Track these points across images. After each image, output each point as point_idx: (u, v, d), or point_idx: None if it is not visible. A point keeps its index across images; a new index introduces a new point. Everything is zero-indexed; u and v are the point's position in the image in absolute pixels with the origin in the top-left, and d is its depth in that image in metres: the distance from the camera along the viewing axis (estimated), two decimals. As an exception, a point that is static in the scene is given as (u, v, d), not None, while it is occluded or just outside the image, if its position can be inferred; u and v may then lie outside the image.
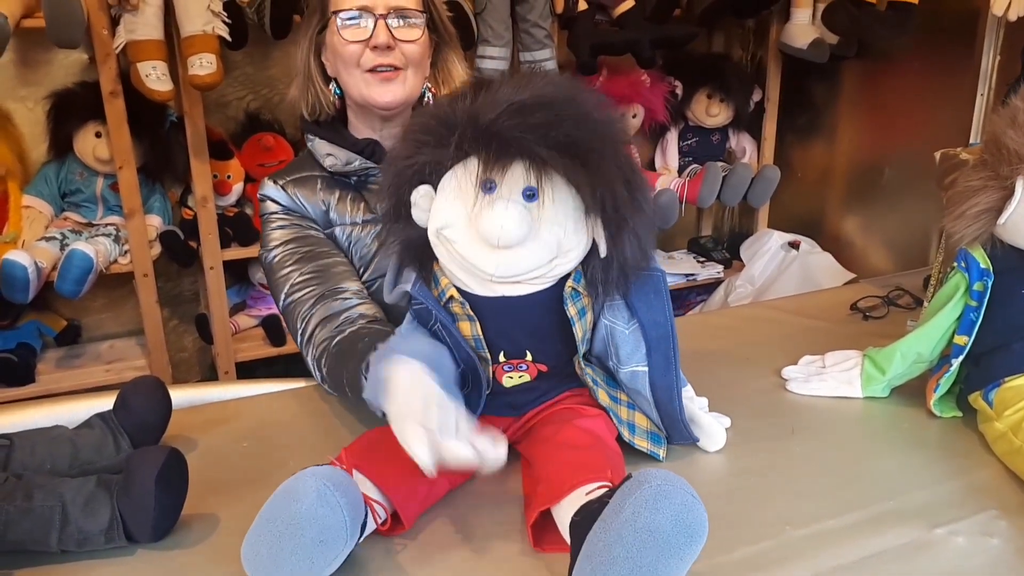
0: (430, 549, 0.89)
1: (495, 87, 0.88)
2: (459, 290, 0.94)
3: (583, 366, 0.99)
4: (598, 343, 1.00)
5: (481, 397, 0.98)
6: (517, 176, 0.86)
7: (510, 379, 1.00)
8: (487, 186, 0.87)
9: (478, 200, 0.87)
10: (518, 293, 0.92)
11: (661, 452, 1.02)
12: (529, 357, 0.98)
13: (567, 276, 0.94)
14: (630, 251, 0.89)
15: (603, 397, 1.00)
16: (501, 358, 0.97)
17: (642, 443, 1.01)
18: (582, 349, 0.98)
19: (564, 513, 0.83)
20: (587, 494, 0.82)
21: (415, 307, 0.96)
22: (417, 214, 0.93)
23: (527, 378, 1.00)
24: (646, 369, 0.99)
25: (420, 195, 0.92)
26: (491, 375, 0.99)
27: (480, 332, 0.95)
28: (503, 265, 0.88)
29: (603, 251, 0.89)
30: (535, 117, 0.84)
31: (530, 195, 0.86)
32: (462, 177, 0.89)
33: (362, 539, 0.85)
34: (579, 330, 0.96)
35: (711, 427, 1.07)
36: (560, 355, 0.99)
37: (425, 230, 0.93)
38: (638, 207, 0.88)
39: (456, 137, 0.88)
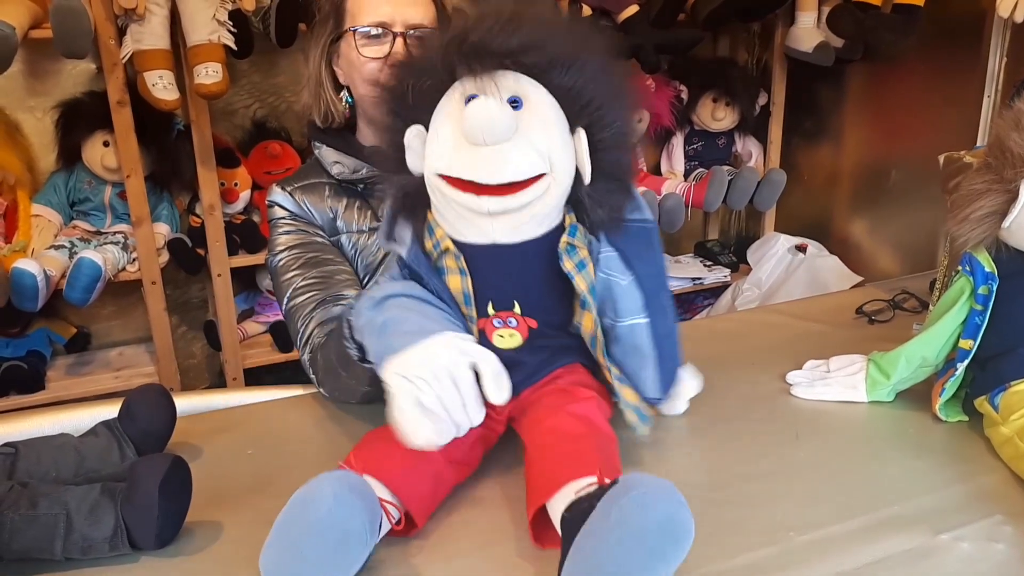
0: (447, 548, 0.89)
1: (480, 9, 0.89)
2: (454, 242, 0.93)
3: (596, 324, 0.97)
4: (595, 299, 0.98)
5: None
6: (501, 85, 0.86)
7: (500, 338, 0.97)
8: (470, 99, 0.86)
9: (463, 112, 0.86)
10: (512, 240, 0.91)
11: (645, 429, 1.00)
12: (517, 309, 0.96)
13: (561, 231, 0.93)
14: (613, 164, 0.90)
15: (600, 358, 0.99)
16: (490, 310, 0.96)
17: (630, 415, 0.99)
18: (589, 301, 0.95)
19: (556, 508, 0.82)
20: (576, 492, 0.81)
21: (409, 265, 0.96)
22: (411, 158, 0.92)
23: (519, 338, 0.97)
24: (646, 321, 0.98)
25: (412, 135, 0.91)
26: (479, 334, 0.97)
27: (470, 287, 0.94)
28: (494, 164, 0.85)
29: (585, 173, 0.89)
30: (513, 26, 0.85)
31: (514, 103, 0.86)
32: (448, 102, 0.89)
33: (377, 541, 0.85)
34: (581, 283, 0.93)
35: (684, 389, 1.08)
36: (549, 310, 0.97)
37: (419, 179, 0.92)
38: (620, 112, 0.89)
39: (442, 55, 0.88)
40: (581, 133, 0.88)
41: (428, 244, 0.95)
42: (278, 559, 0.76)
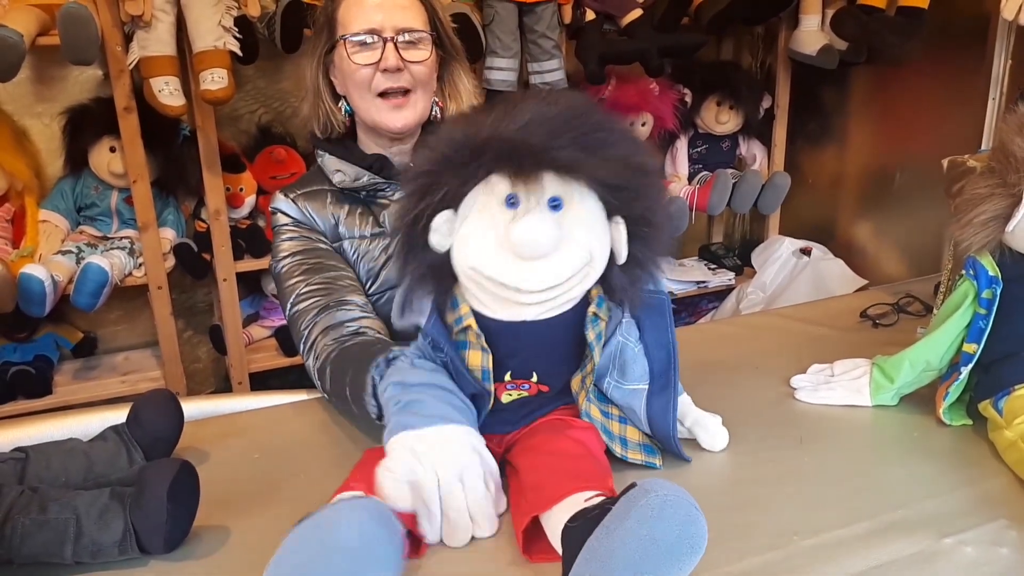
0: (443, 558, 0.89)
1: (517, 104, 0.87)
2: (476, 320, 0.92)
3: (581, 385, 0.99)
4: (603, 360, 0.99)
5: (479, 419, 0.98)
6: (540, 187, 0.86)
7: (508, 396, 0.99)
8: (510, 201, 0.86)
9: (504, 217, 0.86)
10: (534, 319, 0.91)
11: (657, 461, 1.02)
12: (535, 378, 0.97)
13: (588, 302, 0.94)
14: (651, 249, 0.90)
15: (595, 412, 1.00)
16: (507, 377, 0.97)
17: (636, 456, 1.01)
18: (591, 369, 0.97)
19: (555, 520, 0.82)
20: (585, 500, 0.82)
21: (429, 335, 0.96)
22: (437, 239, 0.89)
23: (526, 395, 0.99)
24: (646, 387, 1.00)
25: (442, 220, 0.88)
26: (493, 392, 0.98)
27: (490, 364, 0.93)
28: (538, 275, 0.86)
29: (621, 257, 0.89)
30: (558, 128, 0.84)
31: (555, 205, 0.86)
32: (485, 197, 0.87)
33: None
34: (598, 354, 0.95)
35: (715, 427, 1.07)
36: (564, 376, 0.99)
37: (442, 255, 0.90)
38: (654, 203, 0.89)
39: (481, 157, 0.86)
40: (620, 222, 0.89)
41: (450, 318, 0.94)
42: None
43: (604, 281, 0.93)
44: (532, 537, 0.86)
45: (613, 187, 0.87)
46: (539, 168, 0.85)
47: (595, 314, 0.94)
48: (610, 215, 0.89)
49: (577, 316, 0.93)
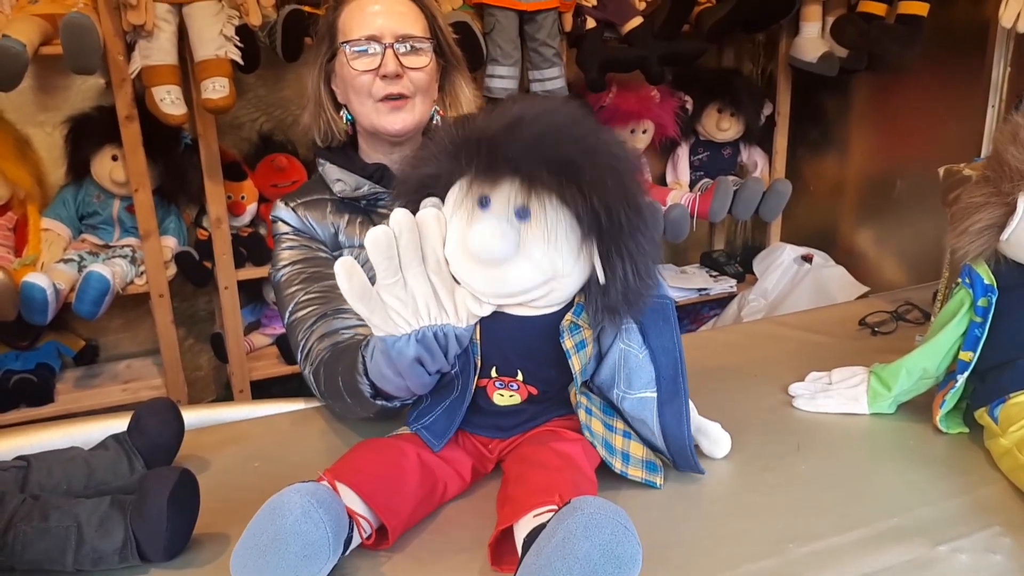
0: (415, 562, 0.90)
1: (504, 107, 0.89)
2: None
3: (578, 397, 0.98)
4: (606, 369, 0.99)
5: (464, 402, 0.98)
6: (510, 194, 0.87)
7: (501, 396, 1.00)
8: (482, 202, 0.88)
9: (471, 215, 0.88)
10: (517, 313, 0.93)
11: (658, 480, 1.01)
12: (520, 377, 0.98)
13: (568, 308, 0.94)
14: (630, 276, 0.88)
15: (597, 426, 0.99)
16: (493, 373, 0.98)
17: (636, 472, 1.00)
18: (579, 381, 0.97)
19: (519, 535, 0.83)
20: (534, 516, 0.82)
21: None
22: None
23: (517, 399, 1.00)
24: (655, 395, 0.99)
25: (429, 204, 0.92)
26: (483, 389, 0.99)
27: (478, 338, 0.95)
28: (491, 282, 0.88)
29: (601, 278, 0.89)
30: (528, 134, 0.85)
31: (522, 214, 0.87)
32: (462, 194, 0.90)
33: (347, 553, 0.86)
34: (576, 363, 0.95)
35: (717, 433, 1.08)
36: (553, 381, 0.99)
37: None
38: (634, 230, 0.87)
39: (458, 152, 0.89)
40: (593, 243, 0.88)
41: None
42: (244, 562, 0.78)
43: (595, 299, 0.92)
44: (505, 548, 0.86)
45: (582, 200, 0.85)
46: (501, 173, 0.86)
47: (572, 322, 0.94)
48: (584, 234, 0.88)
49: (557, 320, 0.94)
